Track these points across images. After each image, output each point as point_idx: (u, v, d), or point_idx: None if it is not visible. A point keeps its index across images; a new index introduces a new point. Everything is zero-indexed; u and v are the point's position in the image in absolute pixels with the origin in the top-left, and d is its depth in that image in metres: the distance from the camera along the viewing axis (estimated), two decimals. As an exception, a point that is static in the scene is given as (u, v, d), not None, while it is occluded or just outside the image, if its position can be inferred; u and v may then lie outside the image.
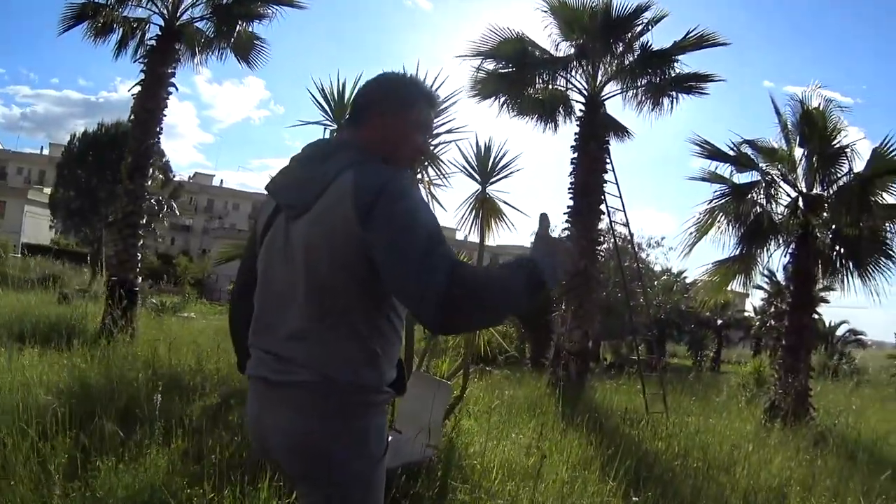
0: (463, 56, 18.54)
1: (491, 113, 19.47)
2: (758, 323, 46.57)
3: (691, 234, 17.05)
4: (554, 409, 12.07)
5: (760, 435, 12.26)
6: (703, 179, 17.01)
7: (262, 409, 2.67)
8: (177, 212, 60.06)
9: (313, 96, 9.47)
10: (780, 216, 16.60)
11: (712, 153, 16.78)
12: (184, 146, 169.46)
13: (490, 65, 19.02)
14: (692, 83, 18.69)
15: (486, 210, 10.47)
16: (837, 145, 15.76)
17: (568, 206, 18.68)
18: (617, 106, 18.59)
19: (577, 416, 11.24)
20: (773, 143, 16.85)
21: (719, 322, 45.54)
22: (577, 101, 19.48)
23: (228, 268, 14.77)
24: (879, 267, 15.24)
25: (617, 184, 18.37)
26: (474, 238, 11.24)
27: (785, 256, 16.74)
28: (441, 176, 9.97)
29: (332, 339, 2.51)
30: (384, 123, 2.75)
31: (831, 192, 16.03)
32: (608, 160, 18.57)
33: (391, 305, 2.60)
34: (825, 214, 16.19)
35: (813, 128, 15.84)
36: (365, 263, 2.40)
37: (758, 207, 16.55)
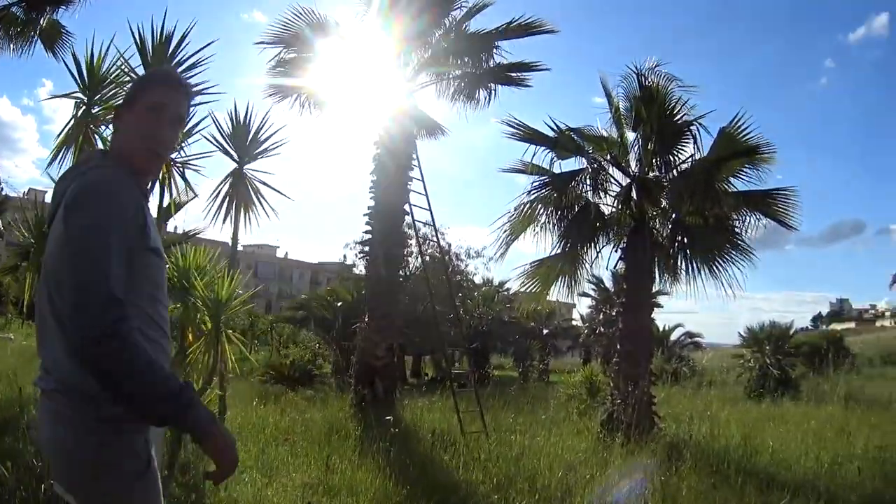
0: (261, 43, 16.06)
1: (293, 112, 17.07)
2: (586, 331, 46.06)
3: (505, 231, 14.76)
4: (355, 434, 11.22)
5: (600, 454, 10.83)
6: (519, 171, 14.72)
7: (39, 414, 2.71)
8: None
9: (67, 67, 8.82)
10: (611, 208, 14.62)
11: (529, 135, 14.49)
12: (25, 162, 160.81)
13: (291, 54, 16.58)
14: (513, 73, 16.76)
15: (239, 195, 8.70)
16: (680, 121, 13.76)
17: (369, 207, 16.68)
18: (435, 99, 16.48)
19: (380, 441, 10.20)
20: (604, 132, 14.94)
21: (545, 331, 44.22)
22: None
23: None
24: (730, 258, 13.42)
25: (423, 180, 16.34)
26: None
27: (616, 252, 14.83)
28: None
29: (67, 347, 2.41)
30: (119, 122, 2.80)
31: (671, 177, 14.16)
32: (415, 157, 16.46)
33: (135, 309, 2.48)
34: (663, 203, 14.35)
35: (650, 106, 13.77)
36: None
37: (584, 198, 14.53)
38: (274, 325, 37.46)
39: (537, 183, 14.32)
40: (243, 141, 10.39)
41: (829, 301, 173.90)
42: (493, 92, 16.78)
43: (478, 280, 40.44)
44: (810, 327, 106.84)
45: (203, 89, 9.02)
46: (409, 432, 12.21)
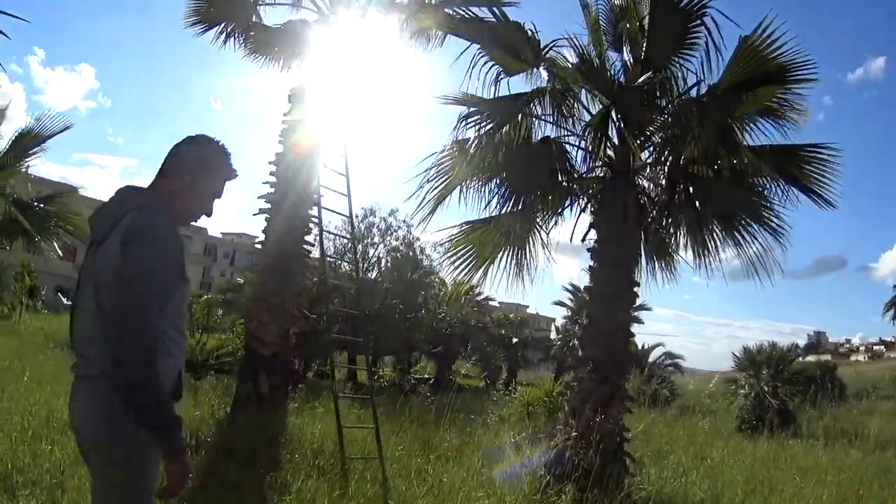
0: None
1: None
2: (558, 342, 41.35)
3: (430, 183, 10.06)
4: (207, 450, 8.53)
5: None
6: (459, 102, 9.69)
7: (72, 395, 3.22)
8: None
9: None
10: (580, 148, 9.98)
11: (468, 32, 9.65)
12: (8, 130, 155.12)
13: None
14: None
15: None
16: (685, 5, 8.76)
17: (276, 154, 12.61)
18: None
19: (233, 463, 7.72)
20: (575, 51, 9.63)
21: (514, 340, 40.51)
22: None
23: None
24: (751, 233, 9.11)
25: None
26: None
27: (587, 212, 10.05)
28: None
29: (103, 343, 3.02)
30: (180, 182, 3.33)
31: (669, 102, 9.45)
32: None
33: (165, 321, 3.11)
34: (656, 140, 9.85)
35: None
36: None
37: (539, 135, 9.96)
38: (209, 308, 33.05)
39: (474, 110, 9.53)
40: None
41: (807, 333, 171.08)
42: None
43: (447, 279, 35.75)
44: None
45: None
46: (283, 451, 8.91)
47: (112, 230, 3.11)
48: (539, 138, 9.82)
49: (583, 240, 9.76)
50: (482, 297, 35.61)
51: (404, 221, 33.19)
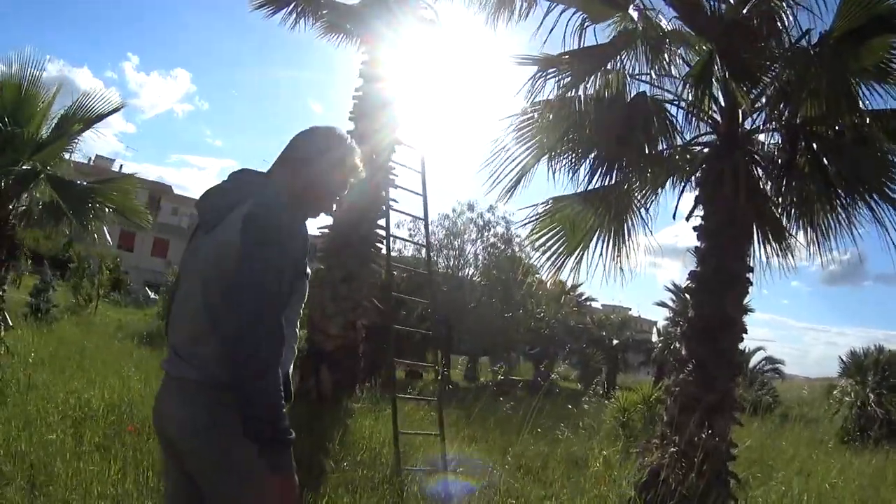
0: None
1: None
2: (660, 345, 39.14)
3: (507, 152, 8.53)
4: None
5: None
6: (536, 62, 7.92)
7: (162, 396, 2.98)
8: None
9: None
10: (679, 107, 8.32)
11: None
12: (107, 133, 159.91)
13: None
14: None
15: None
16: None
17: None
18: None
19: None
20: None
21: (615, 342, 38.34)
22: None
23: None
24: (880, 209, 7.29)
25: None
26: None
27: (691, 190, 8.35)
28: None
29: (216, 343, 2.74)
30: (301, 172, 3.08)
31: (784, 53, 7.44)
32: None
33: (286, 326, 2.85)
34: (770, 97, 7.90)
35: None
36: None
37: (633, 90, 8.32)
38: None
39: (553, 70, 7.81)
40: None
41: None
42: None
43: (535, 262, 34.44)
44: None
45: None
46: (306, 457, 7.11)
47: (225, 217, 2.88)
48: (633, 96, 8.23)
49: (688, 217, 8.16)
50: (583, 297, 34.44)
51: (503, 217, 32.16)
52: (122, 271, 39.28)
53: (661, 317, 41.10)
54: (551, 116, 8.12)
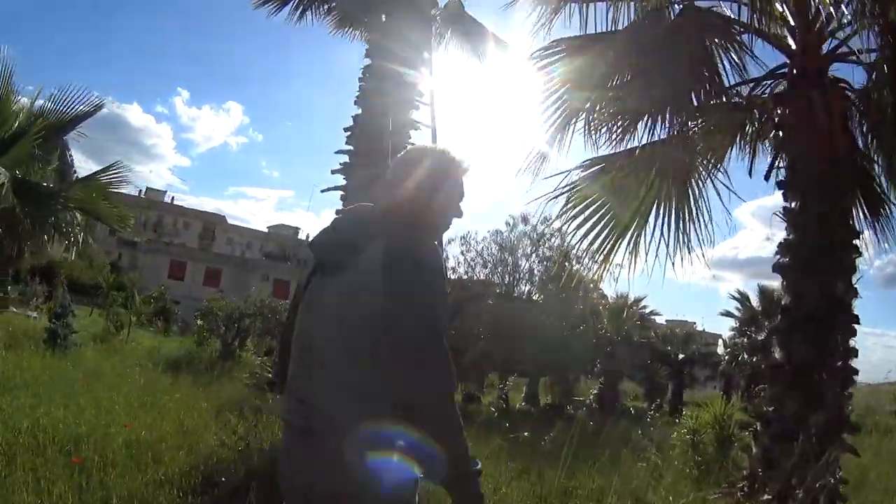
0: None
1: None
2: (727, 357, 37.57)
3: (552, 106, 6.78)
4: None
5: None
6: None
7: (293, 451, 2.77)
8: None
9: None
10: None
11: None
12: (161, 168, 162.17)
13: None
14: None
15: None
16: None
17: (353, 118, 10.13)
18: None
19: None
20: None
21: (680, 356, 36.12)
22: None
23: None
24: None
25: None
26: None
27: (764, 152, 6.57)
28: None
29: (359, 389, 2.61)
30: (420, 198, 2.87)
31: None
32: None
33: None
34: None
35: None
36: (379, 320, 2.54)
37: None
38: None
39: None
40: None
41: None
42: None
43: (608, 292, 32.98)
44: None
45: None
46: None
47: (353, 260, 2.66)
48: (679, 10, 6.34)
49: (767, 175, 6.28)
50: (647, 310, 32.68)
51: (559, 230, 30.56)
52: (171, 300, 38.38)
53: (726, 328, 39.65)
54: (581, 52, 6.32)
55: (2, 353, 12.19)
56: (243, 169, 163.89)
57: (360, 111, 9.73)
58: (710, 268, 6.61)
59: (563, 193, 6.73)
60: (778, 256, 5.90)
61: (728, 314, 36.56)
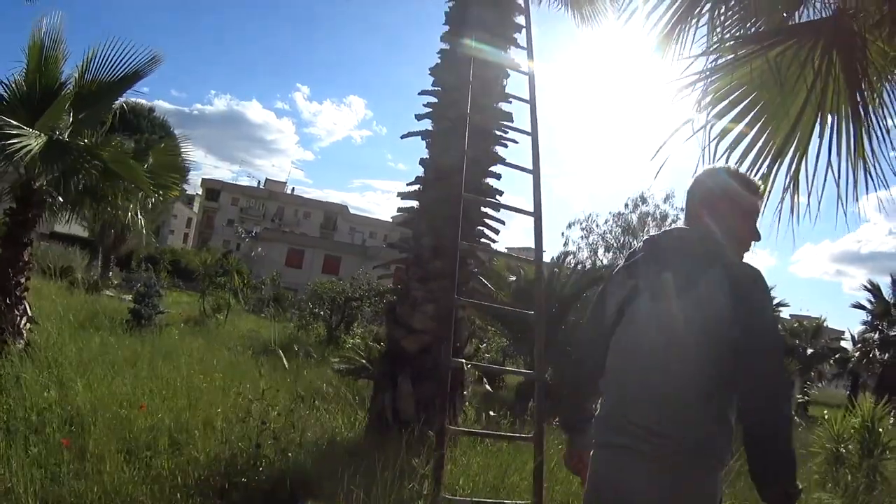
0: None
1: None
2: (857, 353, 34.93)
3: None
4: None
5: None
6: None
7: (621, 474, 2.69)
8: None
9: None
10: None
11: None
12: (283, 162, 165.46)
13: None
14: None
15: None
16: None
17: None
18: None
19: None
20: None
21: (809, 352, 32.34)
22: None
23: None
24: None
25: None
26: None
27: None
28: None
29: (710, 413, 2.61)
30: (734, 221, 2.87)
31: None
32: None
33: None
34: None
35: None
36: (731, 345, 2.53)
37: None
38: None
39: None
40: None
41: None
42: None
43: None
44: None
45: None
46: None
47: (696, 281, 2.65)
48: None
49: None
50: (775, 301, 30.37)
51: (681, 209, 28.79)
52: (286, 287, 38.61)
53: (855, 322, 37.27)
54: None
55: (76, 331, 11.40)
56: (369, 162, 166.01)
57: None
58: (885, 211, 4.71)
59: (704, 76, 4.81)
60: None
61: (860, 306, 34.99)
